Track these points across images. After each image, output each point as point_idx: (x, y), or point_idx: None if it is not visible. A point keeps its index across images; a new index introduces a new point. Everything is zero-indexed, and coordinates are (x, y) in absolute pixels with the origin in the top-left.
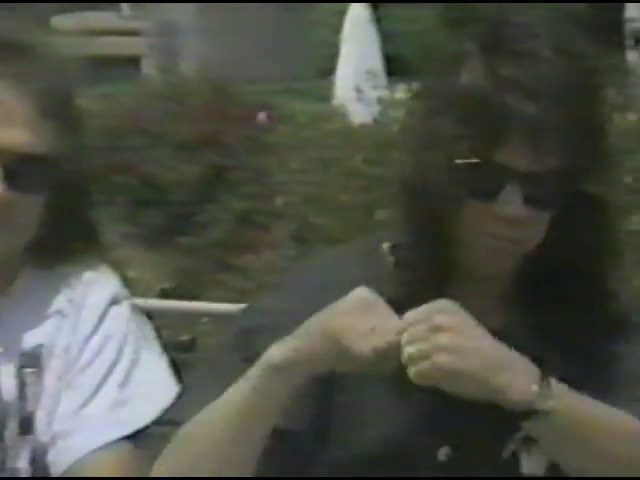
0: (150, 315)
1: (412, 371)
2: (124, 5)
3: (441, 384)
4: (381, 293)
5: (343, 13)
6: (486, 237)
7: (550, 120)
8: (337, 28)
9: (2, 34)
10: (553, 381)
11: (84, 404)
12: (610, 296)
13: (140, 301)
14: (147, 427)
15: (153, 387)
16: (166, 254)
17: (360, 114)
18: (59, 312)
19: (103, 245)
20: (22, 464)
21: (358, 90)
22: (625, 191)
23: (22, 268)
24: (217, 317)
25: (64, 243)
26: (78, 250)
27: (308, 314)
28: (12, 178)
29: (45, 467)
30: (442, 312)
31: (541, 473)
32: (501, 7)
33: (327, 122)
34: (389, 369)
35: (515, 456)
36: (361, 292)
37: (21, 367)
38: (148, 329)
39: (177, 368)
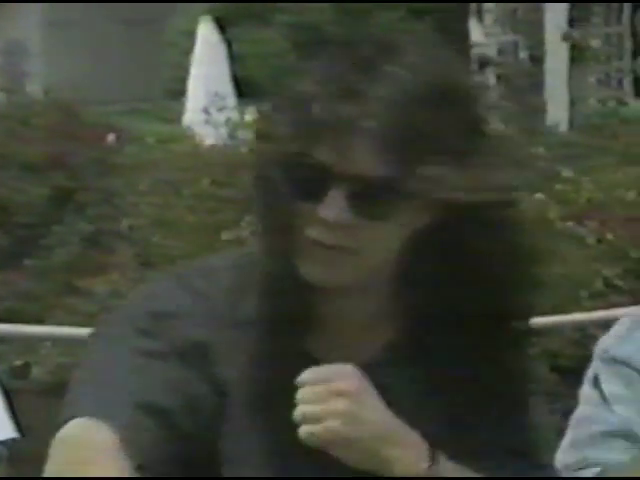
0: None
1: (303, 430)
2: None
3: (331, 449)
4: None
5: (195, 34)
6: (315, 245)
7: (383, 125)
8: (188, 50)
9: None
10: (442, 458)
11: None
12: (507, 317)
13: None
14: None
15: None
16: (11, 276)
17: (209, 136)
18: None
19: None
20: None
21: (206, 112)
22: None
23: None
24: (59, 341)
25: None
26: None
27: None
28: None
29: None
30: (343, 377)
31: None
32: (350, 28)
33: (176, 144)
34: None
35: None
36: None
37: None
38: None
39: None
